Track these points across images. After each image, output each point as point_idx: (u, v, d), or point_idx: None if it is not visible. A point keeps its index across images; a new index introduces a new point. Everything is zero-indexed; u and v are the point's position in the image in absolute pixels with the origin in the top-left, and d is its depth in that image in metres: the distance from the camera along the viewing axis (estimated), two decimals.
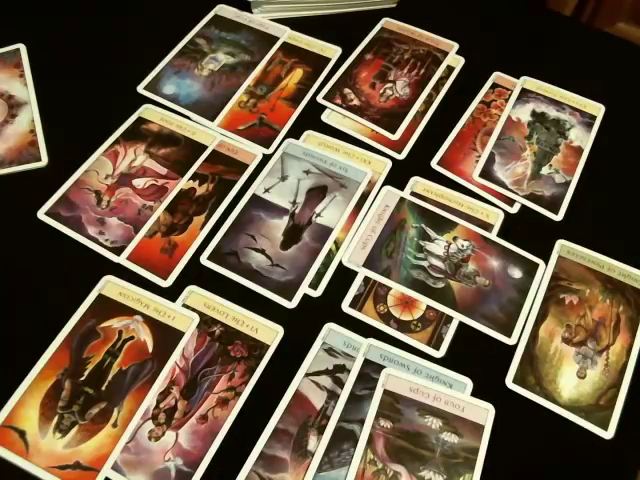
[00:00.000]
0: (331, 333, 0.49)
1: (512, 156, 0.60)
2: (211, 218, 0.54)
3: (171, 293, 0.50)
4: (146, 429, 0.45)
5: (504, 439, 0.46)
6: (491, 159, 0.59)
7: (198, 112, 0.61)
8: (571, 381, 0.49)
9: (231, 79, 0.63)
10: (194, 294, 0.51)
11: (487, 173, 0.58)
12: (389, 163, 0.59)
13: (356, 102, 0.62)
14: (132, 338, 0.48)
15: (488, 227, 0.55)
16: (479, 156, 0.59)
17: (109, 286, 0.50)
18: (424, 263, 0.53)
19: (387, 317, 0.51)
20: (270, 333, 0.49)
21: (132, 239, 0.53)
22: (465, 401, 0.47)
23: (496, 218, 0.56)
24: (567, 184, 0.58)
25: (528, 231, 0.55)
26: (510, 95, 0.64)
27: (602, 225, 0.57)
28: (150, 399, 0.46)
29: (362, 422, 0.46)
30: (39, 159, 0.57)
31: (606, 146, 0.61)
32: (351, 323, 0.50)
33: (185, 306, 0.50)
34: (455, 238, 0.54)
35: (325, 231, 0.54)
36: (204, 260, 0.52)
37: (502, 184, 0.58)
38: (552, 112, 0.63)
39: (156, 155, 0.58)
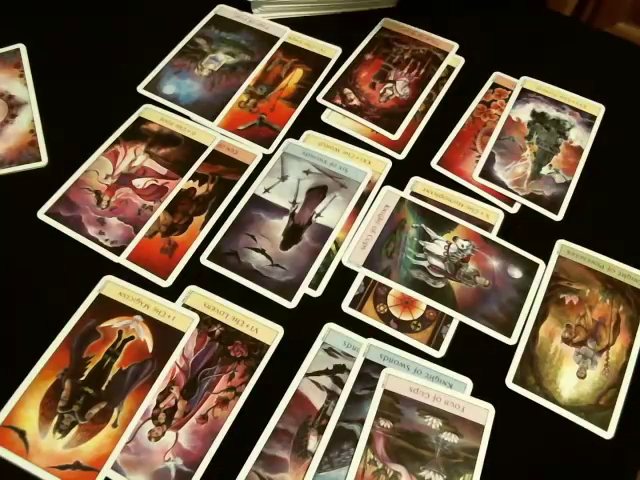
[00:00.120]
0: (331, 333, 0.49)
1: (512, 156, 0.60)
2: (211, 218, 0.54)
3: (171, 293, 0.50)
4: (146, 429, 0.45)
5: (504, 439, 0.46)
6: (491, 159, 0.59)
7: (198, 112, 0.61)
8: (571, 381, 0.49)
9: (231, 79, 0.63)
10: (194, 294, 0.51)
11: (487, 173, 0.58)
12: (389, 163, 0.59)
13: (356, 102, 0.62)
14: (132, 338, 0.48)
15: (488, 227, 0.55)
16: (479, 156, 0.59)
17: (109, 286, 0.50)
18: (424, 263, 0.53)
19: (387, 317, 0.51)
20: (270, 333, 0.49)
21: (132, 239, 0.53)
22: (465, 401, 0.47)
23: (496, 218, 0.56)
24: (567, 184, 0.58)
25: (528, 231, 0.55)
26: (510, 95, 0.64)
27: (602, 225, 0.57)
28: (150, 399, 0.46)
29: (362, 422, 0.46)
30: (39, 159, 0.57)
31: (606, 146, 0.61)
32: (351, 323, 0.50)
33: (185, 306, 0.50)
34: (455, 238, 0.54)
35: (325, 231, 0.54)
36: (204, 260, 0.52)
37: (502, 184, 0.58)
38: (552, 112, 0.63)
39: (156, 155, 0.58)
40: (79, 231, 0.53)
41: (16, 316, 0.49)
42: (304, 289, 0.51)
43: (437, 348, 0.49)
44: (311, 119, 0.61)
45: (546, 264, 0.54)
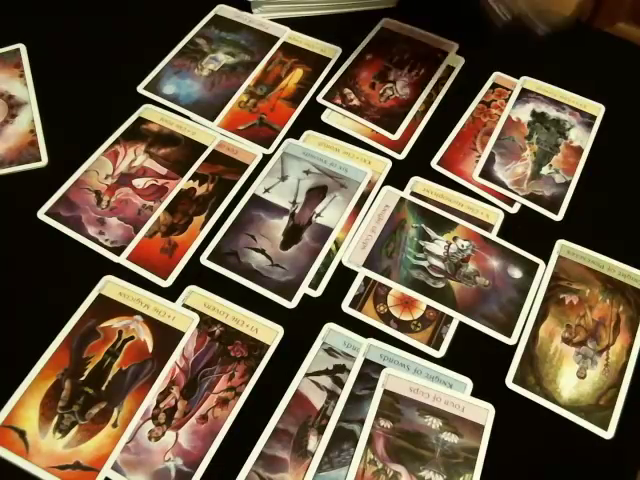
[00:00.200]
0: (331, 333, 0.49)
1: (512, 156, 0.60)
2: (211, 218, 0.54)
3: (171, 293, 0.50)
4: (146, 429, 0.45)
5: (504, 439, 0.46)
6: (491, 159, 0.59)
7: (198, 112, 0.61)
8: (571, 381, 0.49)
9: (231, 79, 0.63)
10: (194, 294, 0.51)
11: (487, 173, 0.58)
12: (389, 163, 0.59)
13: (356, 102, 0.62)
14: (132, 338, 0.48)
15: (488, 227, 0.55)
16: (479, 156, 0.59)
17: (109, 286, 0.50)
18: (424, 263, 0.53)
19: (387, 317, 0.51)
20: (270, 333, 0.49)
21: (132, 239, 0.53)
22: (465, 401, 0.47)
23: (496, 218, 0.56)
24: (567, 184, 0.58)
25: (528, 231, 0.55)
26: (510, 95, 0.64)
27: (602, 225, 0.57)
28: (150, 399, 0.46)
29: (362, 422, 0.46)
30: (39, 159, 0.57)
31: (606, 146, 0.61)
32: (351, 323, 0.50)
33: (185, 306, 0.50)
34: (455, 238, 0.54)
35: (325, 231, 0.54)
36: (204, 260, 0.52)
37: (502, 184, 0.58)
38: (552, 112, 0.63)
39: (156, 155, 0.58)
40: (79, 231, 0.53)
41: (16, 316, 0.49)
42: (304, 289, 0.51)
43: (437, 348, 0.49)
44: (311, 119, 0.61)
45: (546, 264, 0.54)
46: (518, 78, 0.65)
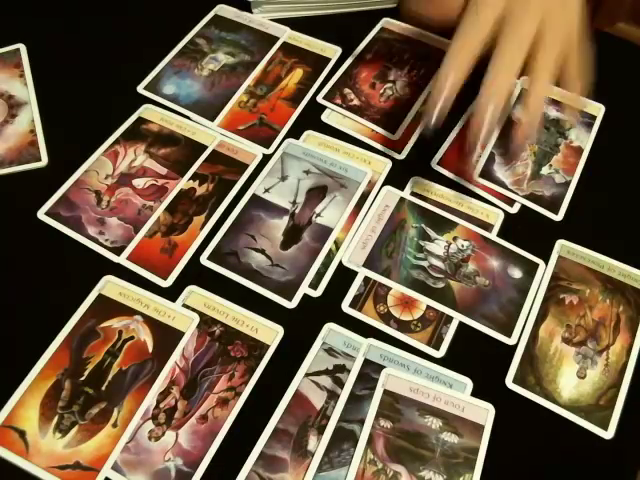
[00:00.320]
0: (331, 333, 0.49)
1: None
2: (211, 218, 0.54)
3: (171, 293, 0.51)
4: (146, 429, 0.45)
5: (504, 439, 0.46)
6: (491, 159, 0.59)
7: (198, 112, 0.61)
8: (571, 381, 0.49)
9: (231, 79, 0.63)
10: (194, 294, 0.51)
11: (487, 173, 0.58)
12: (389, 163, 0.59)
13: (356, 102, 0.62)
14: (132, 338, 0.48)
15: (488, 227, 0.56)
16: (479, 156, 0.59)
17: (109, 286, 0.50)
18: (424, 263, 0.53)
19: (387, 317, 0.51)
20: (270, 333, 0.49)
21: (132, 239, 0.53)
22: (465, 401, 0.47)
23: (496, 218, 0.56)
24: (567, 184, 0.58)
25: (528, 231, 0.55)
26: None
27: (602, 225, 0.57)
28: (150, 399, 0.46)
29: (362, 422, 0.46)
30: (39, 159, 0.57)
31: (606, 146, 0.61)
32: (351, 323, 0.50)
33: (185, 306, 0.50)
34: (455, 238, 0.54)
35: (325, 231, 0.54)
36: (204, 260, 0.52)
37: (502, 184, 0.58)
38: (552, 112, 0.63)
39: (156, 155, 0.58)
40: (79, 231, 0.53)
41: (16, 316, 0.50)
42: (304, 289, 0.51)
43: (437, 348, 0.49)
44: (311, 119, 0.61)
45: (546, 264, 0.54)
46: (518, 78, 0.65)
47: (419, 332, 0.50)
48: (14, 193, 0.55)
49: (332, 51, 0.66)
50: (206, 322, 0.49)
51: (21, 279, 0.51)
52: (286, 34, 0.67)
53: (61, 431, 0.44)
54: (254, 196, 0.56)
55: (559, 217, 0.57)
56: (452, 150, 0.60)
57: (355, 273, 0.52)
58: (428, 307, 0.51)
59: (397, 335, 0.50)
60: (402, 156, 0.59)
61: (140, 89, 0.62)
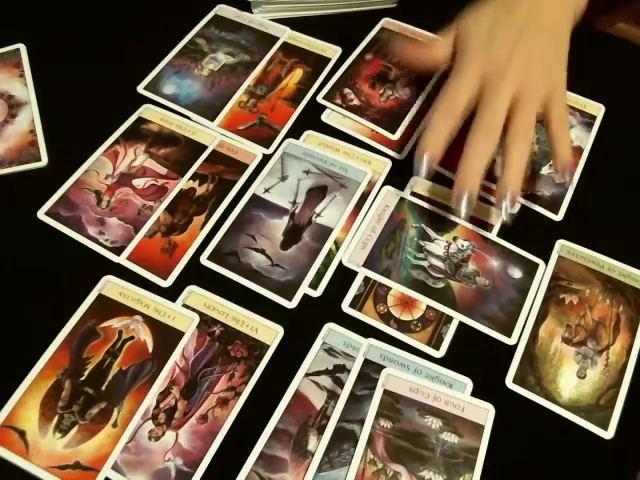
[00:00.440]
0: (331, 333, 0.49)
1: None
2: (211, 218, 0.54)
3: (171, 293, 0.51)
4: (146, 429, 0.45)
5: (504, 439, 0.46)
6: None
7: (198, 112, 0.61)
8: (571, 381, 0.49)
9: (231, 79, 0.63)
10: (194, 294, 0.51)
11: (487, 173, 0.58)
12: (389, 163, 0.59)
13: (356, 102, 0.62)
14: (132, 338, 0.48)
15: (488, 227, 0.55)
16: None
17: (109, 286, 0.50)
18: (424, 263, 0.53)
19: (387, 317, 0.51)
20: (270, 333, 0.49)
21: (132, 239, 0.53)
22: (465, 401, 0.47)
23: (496, 218, 0.56)
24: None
25: (528, 231, 0.55)
26: None
27: (602, 225, 0.57)
28: (150, 399, 0.46)
29: (362, 422, 0.46)
30: (39, 159, 0.57)
31: (606, 146, 0.61)
32: (351, 323, 0.50)
33: (185, 306, 0.50)
34: (455, 238, 0.54)
35: (325, 231, 0.54)
36: (204, 260, 0.52)
37: None
38: None
39: (156, 155, 0.58)
40: (79, 231, 0.53)
41: (16, 316, 0.50)
42: (304, 289, 0.51)
43: (437, 348, 0.49)
44: (311, 119, 0.61)
45: (546, 264, 0.54)
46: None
47: (419, 332, 0.50)
48: (14, 193, 0.55)
49: (332, 51, 0.66)
50: (206, 322, 0.49)
51: (21, 279, 0.51)
52: (286, 34, 0.67)
53: (61, 431, 0.44)
54: (254, 196, 0.56)
55: (559, 217, 0.57)
56: (452, 150, 0.60)
57: (355, 273, 0.52)
58: (428, 307, 0.51)
59: (397, 335, 0.50)
60: (402, 156, 0.59)
61: (140, 89, 0.62)
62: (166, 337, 0.48)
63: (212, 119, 0.60)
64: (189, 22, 0.67)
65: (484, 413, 0.47)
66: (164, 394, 0.46)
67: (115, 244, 0.52)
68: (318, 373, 0.48)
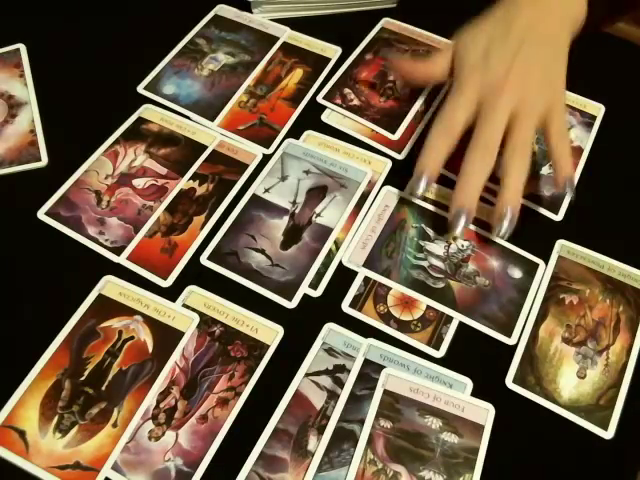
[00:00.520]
0: (331, 333, 0.49)
1: None
2: (211, 218, 0.54)
3: (171, 293, 0.51)
4: (146, 429, 0.45)
5: (504, 439, 0.46)
6: None
7: (198, 112, 0.61)
8: (571, 381, 0.49)
9: (231, 79, 0.63)
10: (194, 294, 0.51)
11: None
12: (389, 163, 0.59)
13: (356, 102, 0.62)
14: (132, 338, 0.48)
15: (488, 227, 0.55)
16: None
17: (109, 286, 0.50)
18: (424, 263, 0.53)
19: (387, 317, 0.51)
20: (270, 333, 0.49)
21: (132, 239, 0.53)
22: (465, 401, 0.47)
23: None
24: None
25: (528, 231, 0.55)
26: None
27: (602, 225, 0.57)
28: (150, 399, 0.46)
29: (362, 422, 0.46)
30: (39, 159, 0.57)
31: (606, 146, 0.61)
32: (351, 323, 0.50)
33: (185, 306, 0.50)
34: (455, 238, 0.54)
35: (325, 231, 0.54)
36: (204, 260, 0.52)
37: None
38: None
39: (156, 155, 0.58)
40: (79, 231, 0.53)
41: (16, 316, 0.50)
42: (304, 289, 0.51)
43: (437, 348, 0.49)
44: (311, 119, 0.61)
45: (546, 264, 0.54)
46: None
47: (419, 332, 0.50)
48: (14, 193, 0.55)
49: (332, 51, 0.66)
50: (206, 322, 0.49)
51: (21, 279, 0.51)
52: (286, 34, 0.67)
53: (61, 431, 0.44)
54: (254, 196, 0.56)
55: (559, 217, 0.57)
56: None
57: (355, 273, 0.52)
58: (428, 307, 0.51)
59: (397, 335, 0.50)
60: (402, 156, 0.59)
61: (140, 89, 0.62)
62: (166, 337, 0.48)
63: (212, 119, 0.60)
64: (189, 22, 0.67)
65: (484, 413, 0.47)
66: (164, 394, 0.46)
67: (115, 244, 0.52)
68: (318, 373, 0.48)
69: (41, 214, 0.54)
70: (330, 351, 0.49)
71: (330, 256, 0.53)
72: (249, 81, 0.63)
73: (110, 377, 0.47)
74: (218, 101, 0.62)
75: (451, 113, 0.52)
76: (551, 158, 0.52)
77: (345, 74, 0.64)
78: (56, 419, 0.45)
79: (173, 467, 0.44)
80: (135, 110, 0.60)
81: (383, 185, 0.57)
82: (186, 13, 0.68)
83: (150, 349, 0.48)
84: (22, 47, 0.64)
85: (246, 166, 0.58)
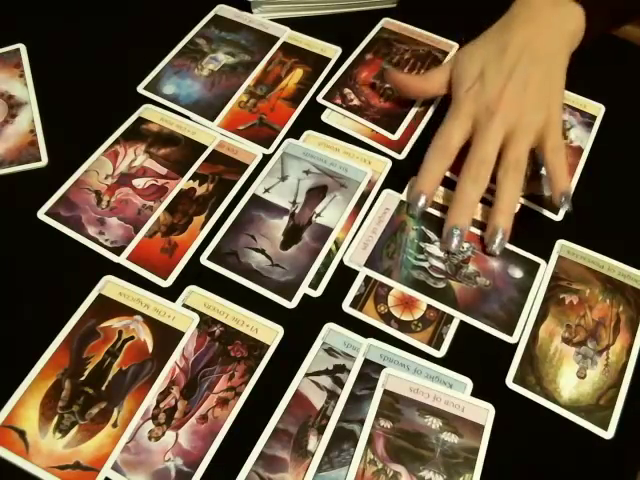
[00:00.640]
0: (331, 333, 0.49)
1: None
2: (211, 218, 0.54)
3: (171, 293, 0.50)
4: (146, 429, 0.45)
5: (504, 439, 0.46)
6: None
7: (198, 112, 0.61)
8: (571, 381, 0.49)
9: (231, 79, 0.63)
10: (194, 294, 0.51)
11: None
12: (389, 163, 0.59)
13: (356, 102, 0.62)
14: (132, 338, 0.48)
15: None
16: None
17: (109, 286, 0.50)
18: (425, 264, 0.53)
19: (387, 317, 0.51)
20: (270, 333, 0.49)
21: (132, 239, 0.53)
22: (465, 401, 0.47)
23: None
24: None
25: (528, 231, 0.55)
26: None
27: (602, 225, 0.57)
28: (150, 399, 0.46)
29: (362, 422, 0.46)
30: (39, 159, 0.57)
31: (606, 146, 0.61)
32: (351, 323, 0.50)
33: (185, 306, 0.50)
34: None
35: (325, 231, 0.54)
36: (204, 260, 0.52)
37: None
38: None
39: (156, 155, 0.58)
40: (79, 231, 0.53)
41: (16, 316, 0.49)
42: (304, 289, 0.51)
43: (437, 348, 0.49)
44: (311, 119, 0.61)
45: (546, 264, 0.54)
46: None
47: (419, 332, 0.50)
48: (14, 193, 0.55)
49: (332, 51, 0.66)
50: (206, 322, 0.49)
51: (21, 279, 0.51)
52: (286, 34, 0.67)
53: (61, 431, 0.44)
54: (254, 196, 0.56)
55: (559, 217, 0.57)
56: None
57: (355, 273, 0.52)
58: (428, 307, 0.51)
59: (398, 335, 0.50)
60: (402, 156, 0.59)
61: (140, 89, 0.62)
62: (166, 337, 0.48)
63: (212, 119, 0.60)
64: (189, 22, 0.67)
65: (484, 413, 0.47)
66: (164, 394, 0.46)
67: (115, 244, 0.52)
68: (318, 373, 0.48)
69: (41, 214, 0.54)
70: (330, 351, 0.49)
71: (330, 256, 0.53)
72: (249, 81, 0.63)
73: (110, 377, 0.47)
74: (218, 101, 0.62)
75: (447, 135, 0.54)
76: (548, 174, 0.53)
77: (345, 74, 0.64)
78: (56, 419, 0.45)
79: (173, 467, 0.44)
80: (135, 110, 0.60)
81: (383, 185, 0.57)
82: (186, 13, 0.68)
83: (150, 349, 0.48)
84: (22, 47, 0.64)
85: (246, 166, 0.58)
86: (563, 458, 0.46)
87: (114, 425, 0.45)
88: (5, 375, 0.47)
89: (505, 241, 0.52)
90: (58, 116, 0.59)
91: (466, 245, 0.54)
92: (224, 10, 0.69)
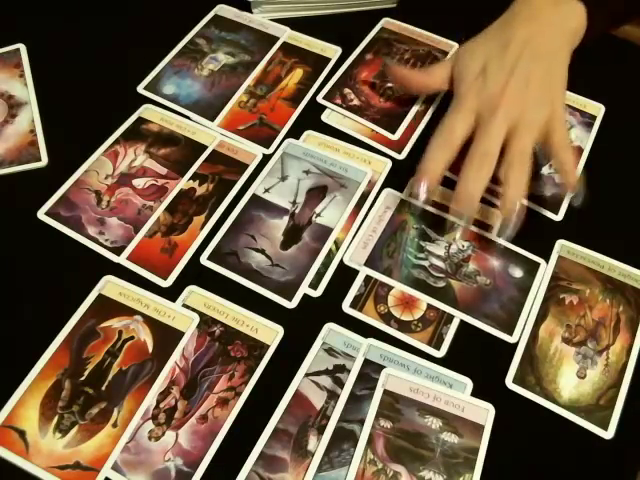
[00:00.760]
0: (331, 333, 0.49)
1: None
2: (211, 218, 0.54)
3: (171, 293, 0.50)
4: (146, 429, 0.45)
5: (504, 439, 0.46)
6: None
7: (198, 112, 0.61)
8: (571, 381, 0.49)
9: (231, 79, 0.63)
10: (194, 294, 0.51)
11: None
12: (389, 163, 0.59)
13: (356, 102, 0.62)
14: (132, 338, 0.48)
15: (488, 227, 0.55)
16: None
17: (109, 286, 0.50)
18: (425, 263, 0.53)
19: (387, 317, 0.51)
20: (270, 333, 0.49)
21: (132, 239, 0.53)
22: (465, 401, 0.47)
23: (496, 218, 0.56)
24: None
25: (528, 231, 0.55)
26: None
27: (602, 225, 0.57)
28: (150, 399, 0.46)
29: (362, 422, 0.46)
30: (39, 159, 0.57)
31: (606, 146, 0.61)
32: (351, 323, 0.50)
33: (185, 306, 0.50)
34: (455, 238, 0.54)
35: (325, 231, 0.54)
36: (204, 260, 0.52)
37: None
38: None
39: (156, 155, 0.58)
40: (79, 231, 0.53)
41: (16, 316, 0.49)
42: (304, 289, 0.51)
43: (437, 348, 0.49)
44: (311, 119, 0.61)
45: (546, 264, 0.54)
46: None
47: (419, 332, 0.50)
48: (14, 193, 0.55)
49: (332, 51, 0.66)
50: (206, 322, 0.49)
51: (21, 279, 0.51)
52: (286, 34, 0.67)
53: (61, 431, 0.44)
54: (254, 196, 0.56)
55: (559, 217, 0.57)
56: None
57: (355, 273, 0.52)
58: (428, 307, 0.51)
59: (397, 335, 0.50)
60: (402, 156, 0.59)
61: (140, 89, 0.62)
62: (166, 337, 0.48)
63: (212, 119, 0.60)
64: (189, 22, 0.67)
65: (484, 413, 0.47)
66: (164, 394, 0.46)
67: (115, 244, 0.52)
68: (318, 373, 0.48)
69: (41, 214, 0.54)
70: (330, 351, 0.49)
71: (330, 256, 0.53)
72: (249, 81, 0.63)
73: (110, 377, 0.47)
74: (218, 101, 0.62)
75: (450, 127, 0.53)
76: (556, 169, 0.53)
77: (345, 74, 0.64)
78: (56, 419, 0.45)
79: (173, 467, 0.44)
80: (135, 110, 0.60)
81: (383, 185, 0.57)
82: (186, 13, 0.68)
83: (150, 349, 0.48)
84: (22, 47, 0.64)
85: (246, 166, 0.58)
86: (563, 458, 0.46)
87: (114, 425, 0.45)
88: (5, 375, 0.47)
89: (517, 226, 0.50)
90: (58, 116, 0.59)
91: (466, 244, 0.54)
92: (224, 10, 0.69)
